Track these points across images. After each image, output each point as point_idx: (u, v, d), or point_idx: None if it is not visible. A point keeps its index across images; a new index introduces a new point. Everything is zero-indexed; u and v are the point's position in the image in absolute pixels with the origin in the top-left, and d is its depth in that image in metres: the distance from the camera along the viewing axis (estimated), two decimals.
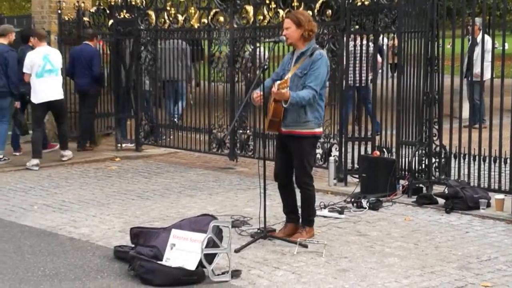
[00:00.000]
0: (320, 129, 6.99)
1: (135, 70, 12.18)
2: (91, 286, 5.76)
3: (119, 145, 12.38)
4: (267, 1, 10.34)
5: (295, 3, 9.96)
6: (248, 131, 10.81)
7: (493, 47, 11.32)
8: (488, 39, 11.73)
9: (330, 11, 9.57)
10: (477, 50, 11.98)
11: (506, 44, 8.67)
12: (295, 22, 6.74)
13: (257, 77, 6.97)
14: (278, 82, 6.51)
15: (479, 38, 11.82)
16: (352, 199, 8.46)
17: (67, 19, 13.21)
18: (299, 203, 7.08)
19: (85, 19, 13.09)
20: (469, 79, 12.91)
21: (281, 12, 10.16)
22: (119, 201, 8.76)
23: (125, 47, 12.29)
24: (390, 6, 9.15)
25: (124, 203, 8.66)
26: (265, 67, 6.83)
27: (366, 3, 9.30)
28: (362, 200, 8.29)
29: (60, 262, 6.36)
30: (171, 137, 12.00)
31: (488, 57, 10.24)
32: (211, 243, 5.88)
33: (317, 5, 9.67)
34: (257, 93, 6.73)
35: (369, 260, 6.40)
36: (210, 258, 5.86)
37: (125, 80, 12.34)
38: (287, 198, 7.08)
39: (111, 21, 12.69)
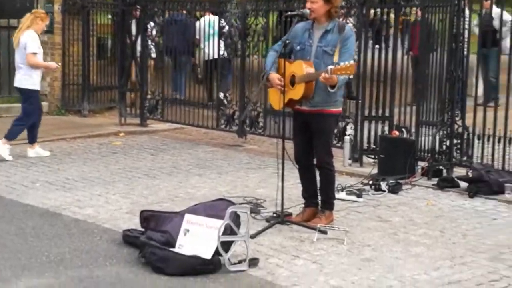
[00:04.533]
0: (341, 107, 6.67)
1: (141, 42, 11.74)
2: (99, 274, 5.36)
3: (123, 119, 11.96)
4: None
5: None
6: (258, 108, 10.40)
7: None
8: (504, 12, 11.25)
9: None
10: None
11: None
12: None
13: (277, 53, 6.48)
14: (331, 67, 6.05)
15: (493, 13, 11.35)
16: (370, 181, 8.06)
17: None
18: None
19: None
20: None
21: None
22: (125, 180, 8.36)
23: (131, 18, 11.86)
24: None
25: (130, 182, 8.25)
26: (287, 41, 6.37)
27: None
28: (381, 183, 7.89)
29: (65, 246, 5.95)
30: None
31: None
32: (228, 230, 5.48)
33: None
34: (279, 79, 6.31)
35: (393, 249, 6.01)
36: (226, 246, 5.47)
37: (130, 53, 11.90)
38: (308, 181, 6.68)
39: None
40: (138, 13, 11.79)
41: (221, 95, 10.92)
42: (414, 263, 5.68)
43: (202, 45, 12.01)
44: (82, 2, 12.59)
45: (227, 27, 10.79)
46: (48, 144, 10.33)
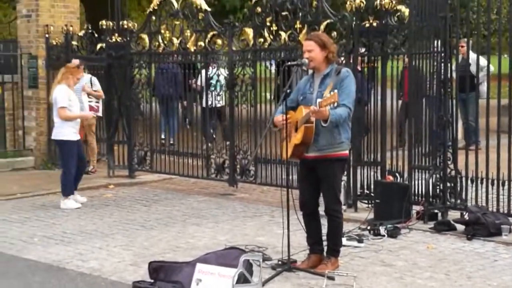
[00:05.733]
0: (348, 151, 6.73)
1: (127, 95, 11.82)
2: None
3: (112, 171, 11.97)
4: (268, 23, 10.10)
5: (298, 25, 9.73)
6: (248, 156, 10.47)
7: (489, 68, 11.12)
8: (481, 57, 11.53)
9: (335, 32, 9.32)
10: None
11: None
12: (320, 44, 6.46)
13: (279, 103, 6.63)
14: (320, 100, 6.18)
15: (470, 58, 11.63)
16: (368, 227, 8.15)
17: (54, 43, 12.82)
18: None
19: (74, 43, 12.73)
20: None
21: (283, 35, 9.90)
22: (123, 232, 8.36)
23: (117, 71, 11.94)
24: (400, 26, 8.91)
25: (128, 234, 8.25)
26: (288, 91, 6.50)
27: (374, 24, 9.06)
28: (380, 228, 7.97)
29: None
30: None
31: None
32: (241, 279, 5.54)
33: (322, 27, 9.43)
34: (282, 117, 6.41)
35: None
36: None
37: (117, 105, 11.97)
38: (313, 228, 6.72)
39: (99, 45, 12.35)
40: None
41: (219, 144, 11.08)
42: None
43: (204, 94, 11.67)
44: (66, 56, 12.65)
45: (215, 77, 10.93)
46: (39, 199, 10.35)
